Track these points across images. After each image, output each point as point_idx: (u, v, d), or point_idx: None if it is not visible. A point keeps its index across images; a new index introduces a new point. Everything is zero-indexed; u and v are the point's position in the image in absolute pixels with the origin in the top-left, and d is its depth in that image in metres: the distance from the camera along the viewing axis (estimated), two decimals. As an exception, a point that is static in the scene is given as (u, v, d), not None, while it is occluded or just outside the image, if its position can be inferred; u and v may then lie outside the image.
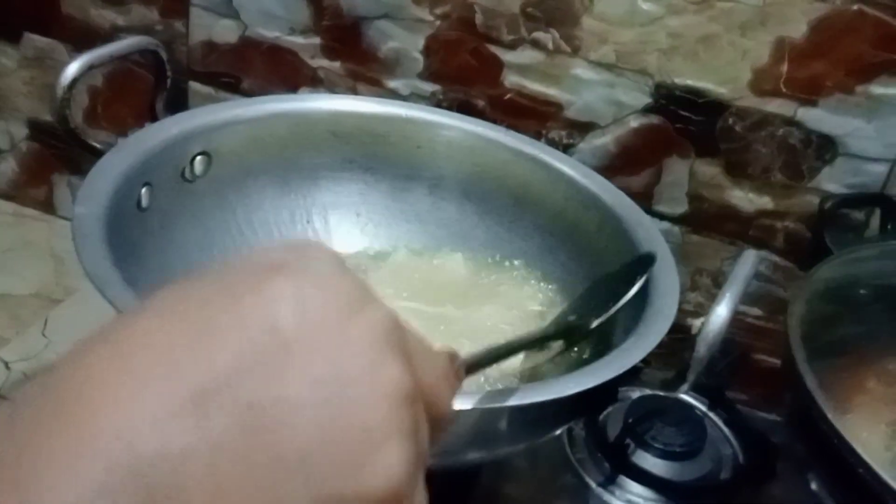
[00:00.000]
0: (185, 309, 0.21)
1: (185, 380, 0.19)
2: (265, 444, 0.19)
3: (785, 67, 0.65)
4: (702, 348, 0.43)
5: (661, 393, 0.46)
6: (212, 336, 0.20)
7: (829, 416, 0.46)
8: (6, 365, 0.75)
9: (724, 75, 0.67)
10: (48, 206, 0.95)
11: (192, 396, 0.19)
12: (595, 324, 0.48)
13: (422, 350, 0.24)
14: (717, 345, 0.43)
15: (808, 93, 0.66)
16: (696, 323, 0.46)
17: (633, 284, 0.49)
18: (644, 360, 0.46)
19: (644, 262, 0.52)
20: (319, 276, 0.22)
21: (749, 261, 0.47)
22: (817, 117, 0.66)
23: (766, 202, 0.71)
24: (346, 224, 0.67)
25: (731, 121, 0.68)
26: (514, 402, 0.41)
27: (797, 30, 0.64)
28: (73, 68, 0.51)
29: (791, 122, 0.67)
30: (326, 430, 0.20)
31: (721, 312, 0.43)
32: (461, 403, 0.40)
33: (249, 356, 0.20)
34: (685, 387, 0.43)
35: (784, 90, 0.66)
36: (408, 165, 0.67)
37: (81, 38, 0.83)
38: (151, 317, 0.20)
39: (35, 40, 0.86)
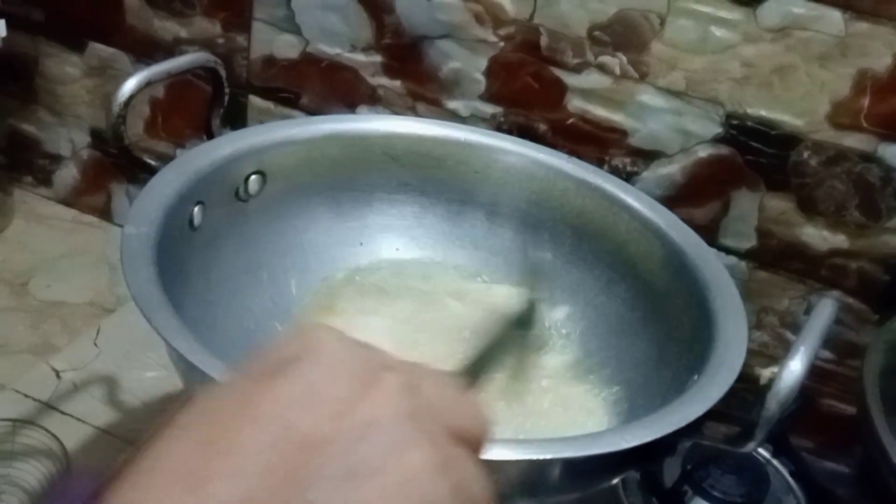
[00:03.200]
0: (209, 429, 0.22)
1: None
2: None
3: (866, 101, 0.62)
4: (772, 405, 0.40)
5: (725, 447, 0.43)
6: (234, 455, 0.21)
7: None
8: (57, 374, 0.75)
9: (799, 107, 0.64)
10: (106, 214, 0.96)
11: None
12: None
13: (439, 393, 0.25)
14: (789, 402, 0.40)
15: (891, 128, 0.62)
16: (765, 373, 0.43)
17: None
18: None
19: None
20: (326, 364, 0.23)
21: (826, 311, 0.43)
22: (899, 154, 0.63)
23: (840, 241, 0.67)
24: (400, 248, 0.65)
25: (805, 154, 0.65)
26: (567, 453, 0.39)
27: (881, 62, 0.60)
28: (129, 85, 0.50)
29: (870, 158, 0.63)
30: None
31: (795, 368, 0.40)
32: (514, 454, 0.38)
33: (273, 465, 0.20)
34: (752, 445, 0.40)
35: (864, 125, 0.62)
36: (464, 190, 0.65)
37: (144, 48, 0.83)
38: (178, 443, 0.21)
39: (99, 49, 0.86)
